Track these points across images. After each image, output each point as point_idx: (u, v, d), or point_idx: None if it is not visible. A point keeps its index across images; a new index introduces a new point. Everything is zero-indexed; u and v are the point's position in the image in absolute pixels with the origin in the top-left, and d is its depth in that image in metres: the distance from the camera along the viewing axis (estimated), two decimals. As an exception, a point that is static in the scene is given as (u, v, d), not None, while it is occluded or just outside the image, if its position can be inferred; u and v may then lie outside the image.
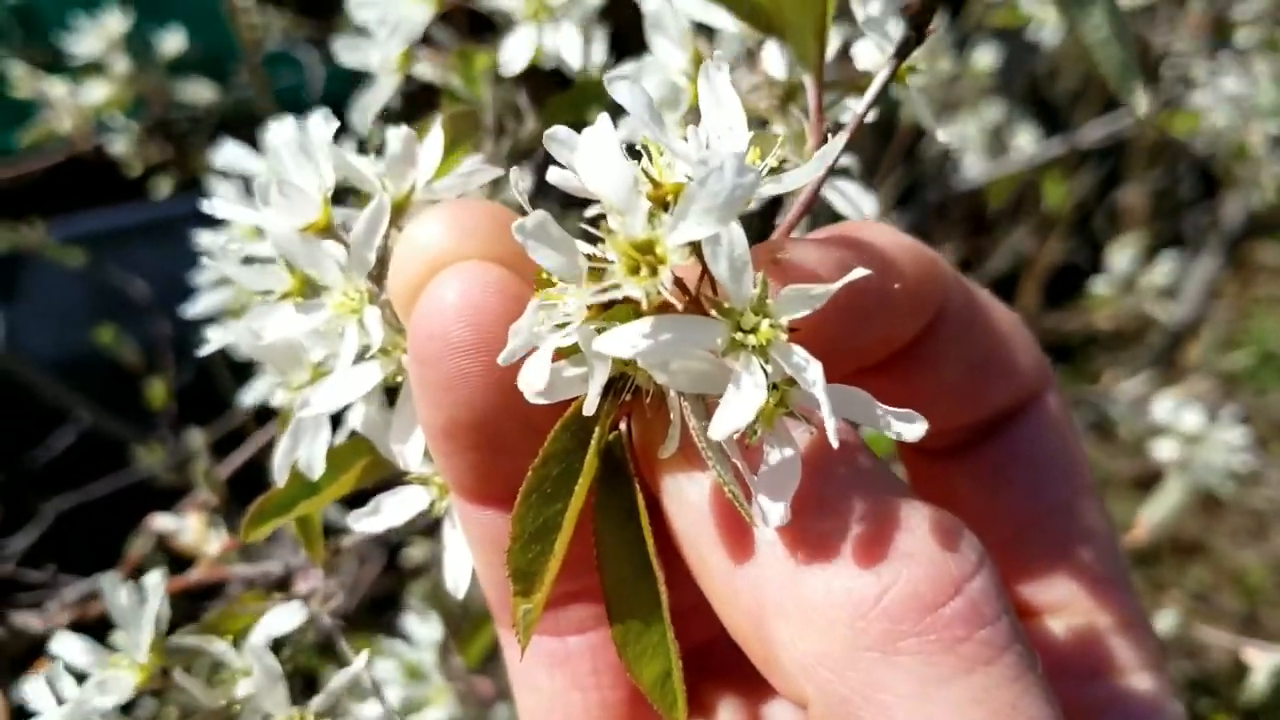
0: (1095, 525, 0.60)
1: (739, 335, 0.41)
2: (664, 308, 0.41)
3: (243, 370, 1.28)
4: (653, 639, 0.48)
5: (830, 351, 0.47)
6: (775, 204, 0.52)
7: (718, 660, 0.53)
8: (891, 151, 2.47)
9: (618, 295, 0.41)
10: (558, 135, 0.43)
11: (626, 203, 0.40)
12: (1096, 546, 0.59)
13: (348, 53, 0.84)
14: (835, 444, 0.39)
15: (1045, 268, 3.19)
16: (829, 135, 0.46)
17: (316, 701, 0.60)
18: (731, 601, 0.46)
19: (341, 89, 0.92)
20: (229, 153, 0.92)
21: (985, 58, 2.24)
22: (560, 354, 0.43)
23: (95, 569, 0.90)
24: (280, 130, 0.53)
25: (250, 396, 1.25)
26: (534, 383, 0.42)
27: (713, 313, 0.42)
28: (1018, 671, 0.42)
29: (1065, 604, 0.59)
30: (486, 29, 0.89)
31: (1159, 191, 3.28)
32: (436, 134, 0.54)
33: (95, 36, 1.69)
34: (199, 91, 1.80)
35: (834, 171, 0.57)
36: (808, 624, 0.43)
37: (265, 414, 1.36)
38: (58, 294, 2.51)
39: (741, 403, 0.40)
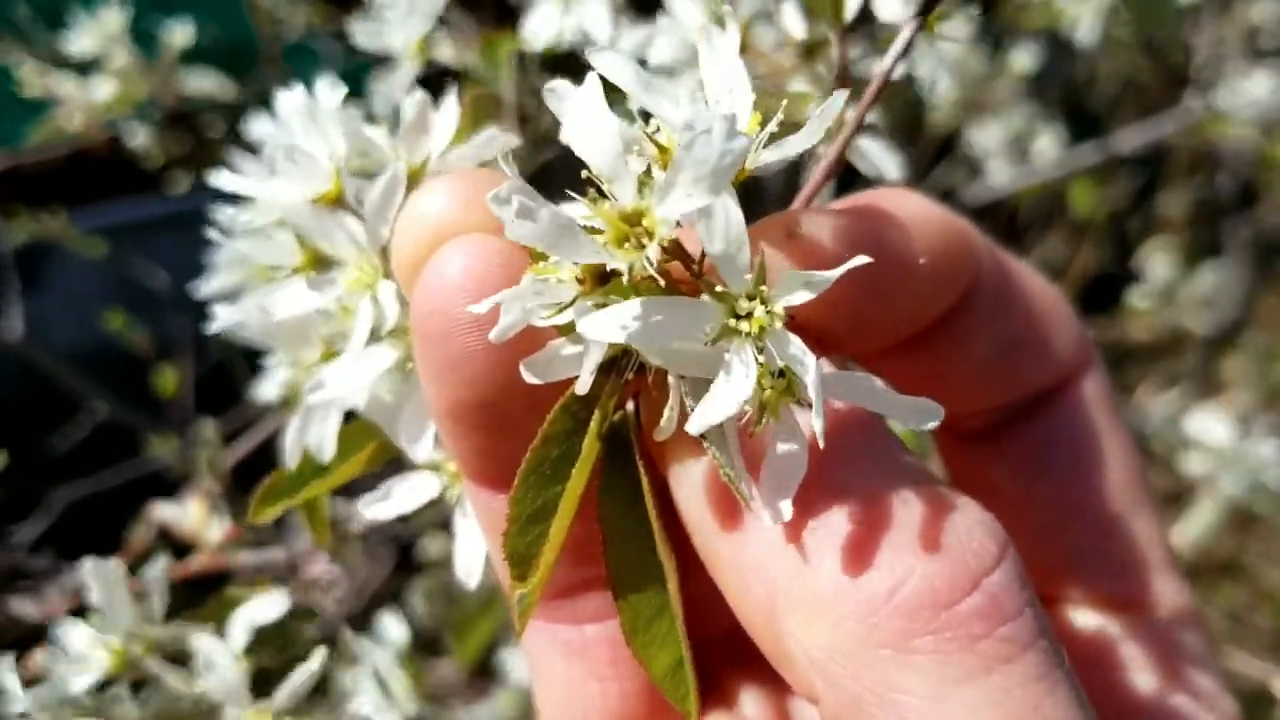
0: (1137, 513, 0.57)
1: (732, 321, 0.39)
2: (651, 282, 0.39)
3: (259, 362, 1.25)
4: (662, 628, 0.47)
5: (850, 330, 0.46)
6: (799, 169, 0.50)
7: (743, 649, 0.51)
8: (917, 156, 2.43)
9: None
10: (558, 90, 0.41)
11: (613, 169, 0.38)
12: (1138, 536, 0.57)
13: (366, 37, 0.83)
14: (821, 444, 0.38)
15: (1078, 277, 3.14)
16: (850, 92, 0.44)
17: (278, 699, 0.59)
18: (741, 591, 0.44)
19: (362, 81, 0.91)
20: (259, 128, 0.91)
21: (1022, 58, 2.17)
22: (560, 330, 0.41)
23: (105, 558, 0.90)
24: (289, 98, 0.51)
25: (267, 389, 1.22)
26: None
27: (705, 297, 0.39)
28: (1042, 670, 0.40)
29: (1103, 596, 0.57)
30: (512, 17, 0.88)
31: (1197, 201, 3.22)
32: (452, 102, 0.52)
33: (92, 33, 1.65)
34: (205, 83, 1.77)
35: (856, 129, 0.55)
36: (817, 618, 0.41)
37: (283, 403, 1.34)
38: (78, 285, 2.52)
39: (728, 393, 0.38)
